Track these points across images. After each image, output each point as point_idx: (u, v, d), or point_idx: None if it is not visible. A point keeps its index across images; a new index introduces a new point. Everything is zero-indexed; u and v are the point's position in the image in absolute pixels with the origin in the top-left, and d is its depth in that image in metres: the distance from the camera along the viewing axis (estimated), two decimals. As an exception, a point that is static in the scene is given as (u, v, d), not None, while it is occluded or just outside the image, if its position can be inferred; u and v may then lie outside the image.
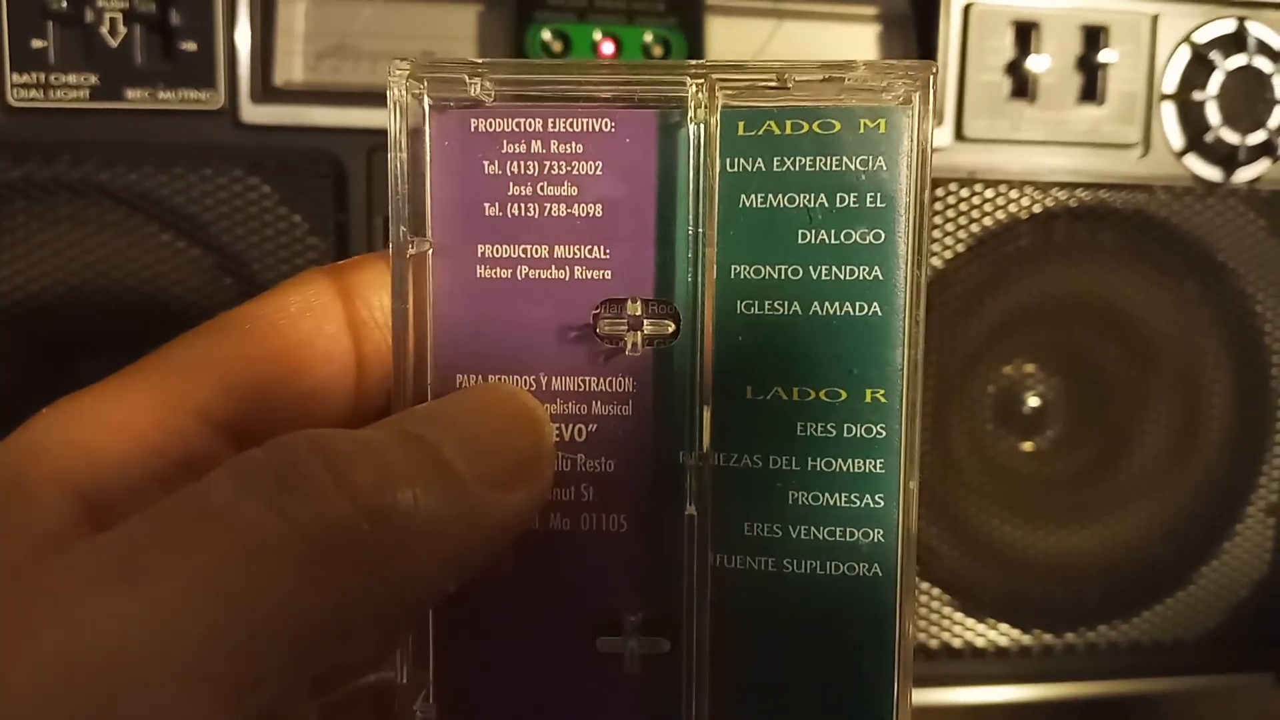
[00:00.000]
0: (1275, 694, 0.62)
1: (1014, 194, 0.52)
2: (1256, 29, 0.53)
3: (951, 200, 0.51)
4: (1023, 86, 0.52)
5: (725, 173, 0.20)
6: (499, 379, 0.21)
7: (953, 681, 0.56)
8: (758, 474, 0.20)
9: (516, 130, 0.20)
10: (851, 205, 0.20)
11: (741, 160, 0.20)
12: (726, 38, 0.51)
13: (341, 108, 0.47)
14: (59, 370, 0.47)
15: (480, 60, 0.21)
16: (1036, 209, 0.52)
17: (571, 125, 0.20)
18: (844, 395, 0.20)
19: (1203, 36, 0.53)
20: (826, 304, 0.20)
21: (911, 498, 0.20)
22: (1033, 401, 0.55)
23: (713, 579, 0.20)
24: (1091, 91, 0.52)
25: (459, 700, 0.20)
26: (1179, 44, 0.53)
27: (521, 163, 0.20)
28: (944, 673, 0.55)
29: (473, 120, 0.21)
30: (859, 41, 0.52)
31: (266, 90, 0.48)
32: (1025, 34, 0.51)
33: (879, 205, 0.20)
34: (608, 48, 0.50)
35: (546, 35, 0.50)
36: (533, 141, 0.20)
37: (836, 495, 0.20)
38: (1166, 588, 0.57)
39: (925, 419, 0.53)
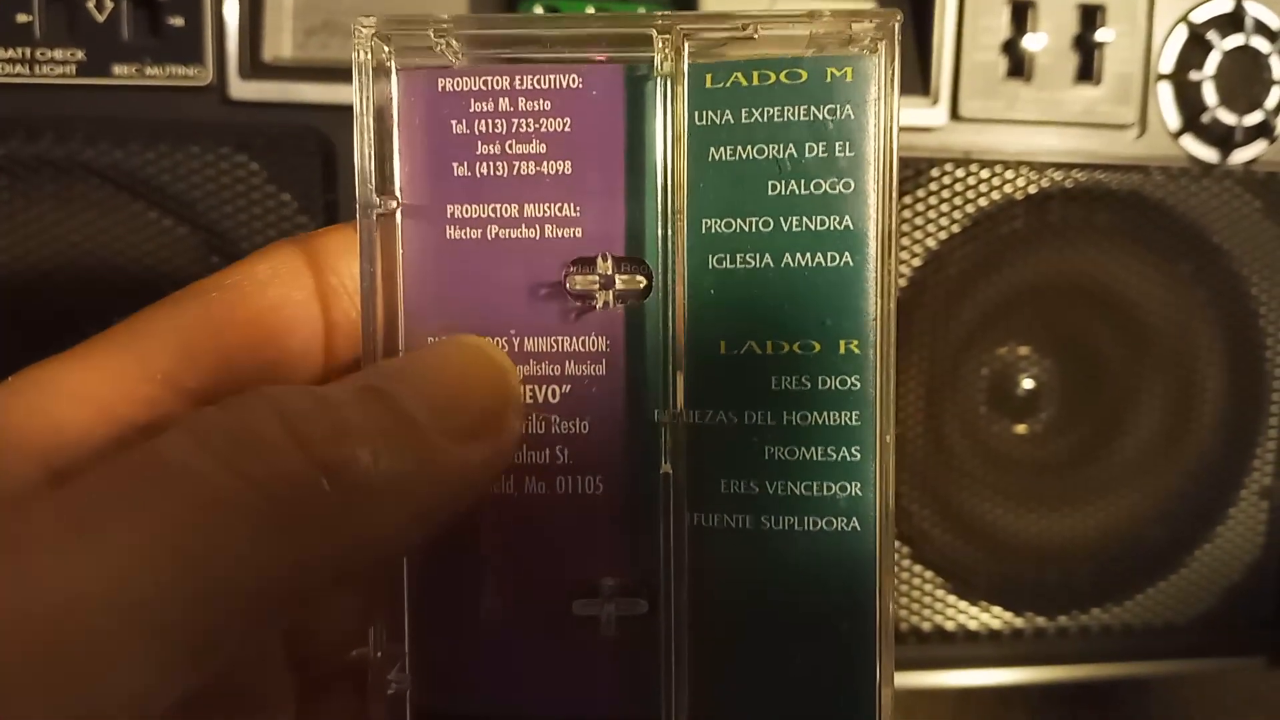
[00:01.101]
0: (1266, 677, 0.62)
1: (1009, 174, 0.51)
2: (1254, 8, 0.52)
3: (946, 181, 0.51)
4: (1019, 66, 0.51)
5: (694, 126, 0.20)
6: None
7: (945, 664, 0.56)
8: (733, 430, 0.20)
9: (483, 89, 0.20)
10: (820, 155, 0.20)
11: (710, 113, 0.20)
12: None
13: (331, 84, 0.47)
14: (44, 349, 0.46)
15: (446, 18, 0.20)
16: (1032, 189, 0.52)
17: (538, 82, 0.20)
18: (818, 347, 0.20)
19: (1200, 16, 0.52)
20: (798, 255, 0.20)
21: (888, 451, 0.20)
22: (1026, 384, 0.55)
23: (690, 538, 0.20)
24: (1088, 71, 0.52)
25: (435, 669, 0.20)
26: (1176, 23, 0.52)
27: (489, 121, 0.20)
28: (936, 655, 0.55)
29: (439, 80, 0.20)
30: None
31: (255, 66, 0.47)
32: (1021, 13, 0.51)
33: (848, 155, 0.20)
34: (600, 25, 0.50)
35: (538, 11, 0.49)
36: (500, 99, 0.20)
37: (813, 449, 0.20)
38: (1159, 571, 0.57)
39: (918, 401, 0.53)
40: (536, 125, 0.20)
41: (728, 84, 0.20)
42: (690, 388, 0.20)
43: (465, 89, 0.20)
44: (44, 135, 0.45)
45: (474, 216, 0.20)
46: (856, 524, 0.20)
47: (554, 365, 0.20)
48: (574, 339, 0.20)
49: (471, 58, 0.20)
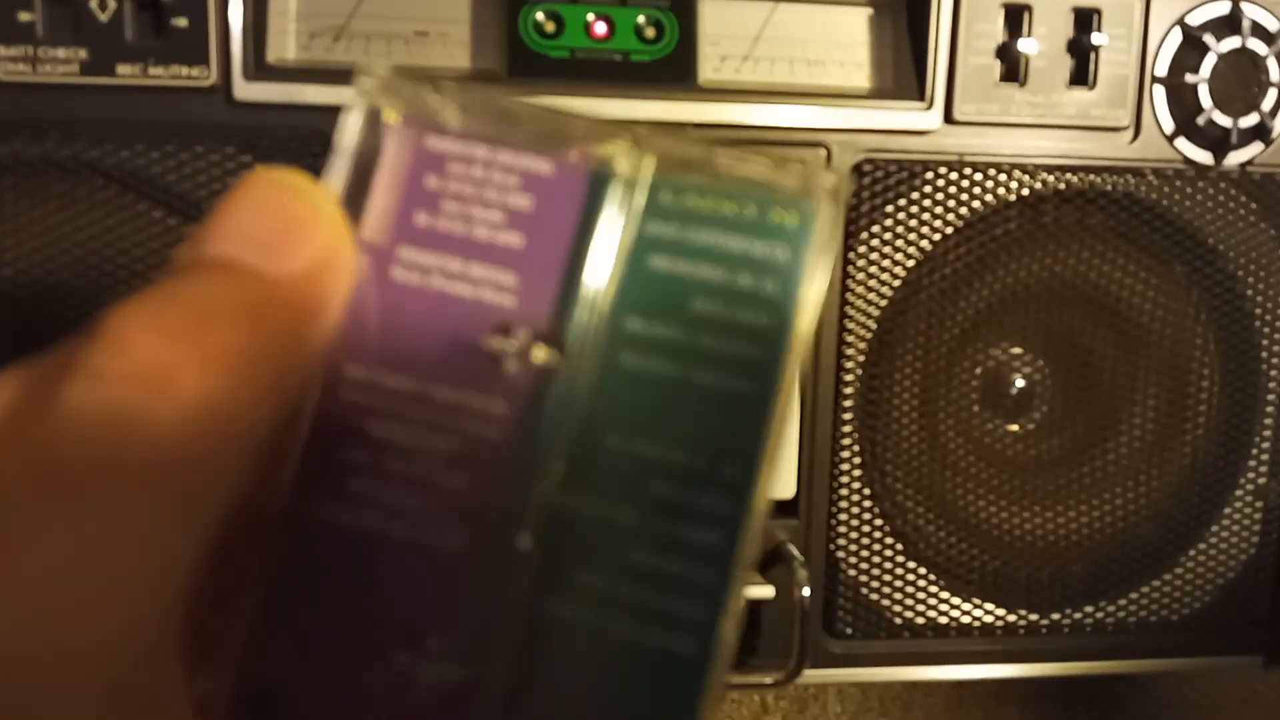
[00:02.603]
0: (1261, 675, 0.62)
1: (1003, 177, 0.52)
2: (1251, 10, 0.53)
3: (940, 184, 0.51)
4: (1013, 70, 0.52)
5: (641, 232, 0.21)
6: None
7: (938, 660, 0.56)
8: (602, 524, 0.20)
9: (465, 154, 0.21)
10: (749, 286, 0.21)
11: (659, 224, 0.21)
12: (719, 21, 0.51)
13: (335, 86, 0.47)
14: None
15: (448, 84, 0.21)
16: (1025, 192, 0.52)
17: (514, 161, 0.21)
18: (703, 463, 0.20)
19: (1196, 19, 0.53)
20: (705, 372, 0.21)
21: (742, 581, 0.20)
22: (1019, 383, 0.56)
23: (532, 619, 0.20)
24: (1082, 75, 0.52)
25: (262, 696, 0.21)
26: (1171, 26, 0.53)
27: (461, 184, 0.21)
28: (929, 650, 0.56)
29: (429, 138, 0.21)
30: (852, 25, 0.52)
31: (259, 68, 0.48)
32: (1016, 17, 0.51)
33: (775, 291, 0.21)
34: (600, 28, 0.50)
35: (539, 16, 0.50)
36: (476, 166, 0.21)
37: (674, 562, 0.20)
38: (1153, 569, 0.57)
39: (912, 400, 0.53)
40: (501, 198, 0.21)
41: (681, 202, 0.21)
42: (571, 471, 0.20)
43: (449, 151, 0.21)
44: (49, 135, 0.46)
45: (422, 264, 0.21)
46: (697, 647, 0.20)
47: (451, 417, 0.21)
48: (477, 397, 0.21)
49: (463, 123, 0.21)
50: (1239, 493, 0.57)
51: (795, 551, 0.52)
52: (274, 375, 0.19)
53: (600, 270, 0.21)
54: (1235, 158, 0.54)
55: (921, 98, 0.51)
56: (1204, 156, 0.53)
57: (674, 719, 0.20)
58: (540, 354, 0.21)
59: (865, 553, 0.54)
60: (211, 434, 0.18)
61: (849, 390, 0.52)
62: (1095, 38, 0.51)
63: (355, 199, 0.21)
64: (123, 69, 0.47)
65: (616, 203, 0.21)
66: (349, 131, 0.21)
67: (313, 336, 0.20)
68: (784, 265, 0.21)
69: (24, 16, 0.46)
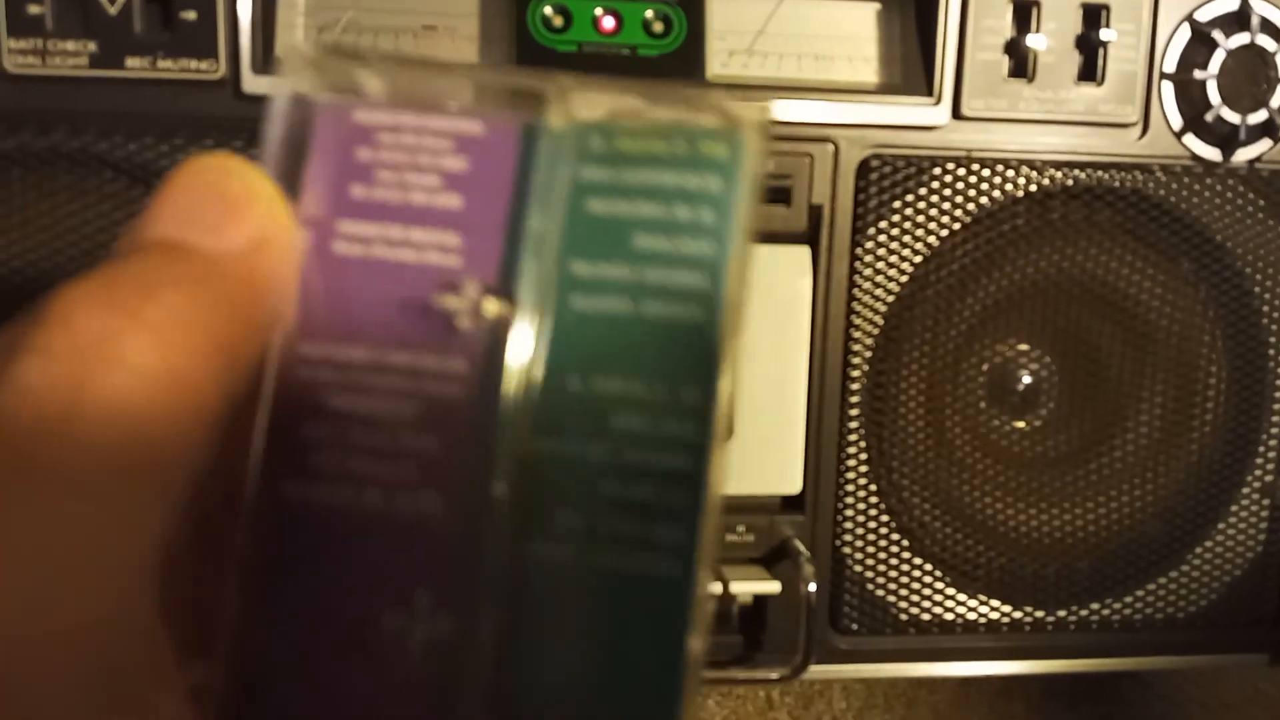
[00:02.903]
0: (1267, 674, 0.62)
1: (1011, 173, 0.52)
2: (1260, 6, 0.52)
3: (948, 179, 0.51)
4: (1021, 65, 0.52)
5: (576, 180, 0.21)
6: None
7: (944, 656, 0.56)
8: (572, 463, 0.21)
9: (394, 124, 0.22)
10: (687, 219, 0.21)
11: (592, 169, 0.22)
12: (727, 15, 0.51)
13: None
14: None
15: (373, 55, 0.22)
16: (1033, 188, 0.52)
17: (445, 125, 0.22)
18: (662, 393, 0.21)
19: (1205, 15, 0.52)
20: (655, 305, 0.21)
21: (716, 501, 0.21)
22: (1025, 379, 0.55)
23: (515, 564, 0.21)
24: (1091, 71, 0.52)
25: (246, 685, 0.21)
26: (1180, 22, 0.52)
27: (393, 153, 0.22)
28: (935, 647, 0.56)
29: (357, 112, 0.22)
30: (860, 20, 0.52)
31: (268, 61, 0.48)
32: (1025, 12, 0.51)
33: (712, 221, 0.21)
34: (609, 22, 0.50)
35: (548, 10, 0.50)
36: (406, 135, 0.22)
37: (646, 489, 0.21)
38: (1159, 567, 0.57)
39: (918, 396, 0.53)
40: (435, 162, 0.21)
41: (612, 146, 0.22)
42: (537, 418, 0.21)
43: (378, 122, 0.22)
44: (57, 127, 0.46)
45: (363, 235, 0.21)
46: (678, 569, 0.20)
47: (411, 381, 0.21)
48: (434, 358, 0.21)
49: (389, 93, 0.22)
50: (1246, 490, 0.57)
51: (801, 547, 0.52)
52: (222, 346, 0.19)
53: (541, 220, 0.21)
54: (1243, 154, 0.53)
55: (929, 93, 0.51)
56: (1212, 153, 0.53)
57: (663, 644, 0.21)
58: (492, 307, 0.21)
59: (871, 549, 0.54)
60: (163, 401, 0.18)
61: (856, 386, 0.52)
62: (1104, 34, 0.51)
63: (291, 178, 0.21)
64: (132, 62, 0.47)
65: (549, 154, 0.22)
66: (278, 113, 0.21)
67: (260, 311, 0.20)
68: (718, 195, 0.21)
69: (33, 9, 0.46)
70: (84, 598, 0.17)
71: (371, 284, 0.21)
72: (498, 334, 0.21)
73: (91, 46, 0.46)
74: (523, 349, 0.21)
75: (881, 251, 0.52)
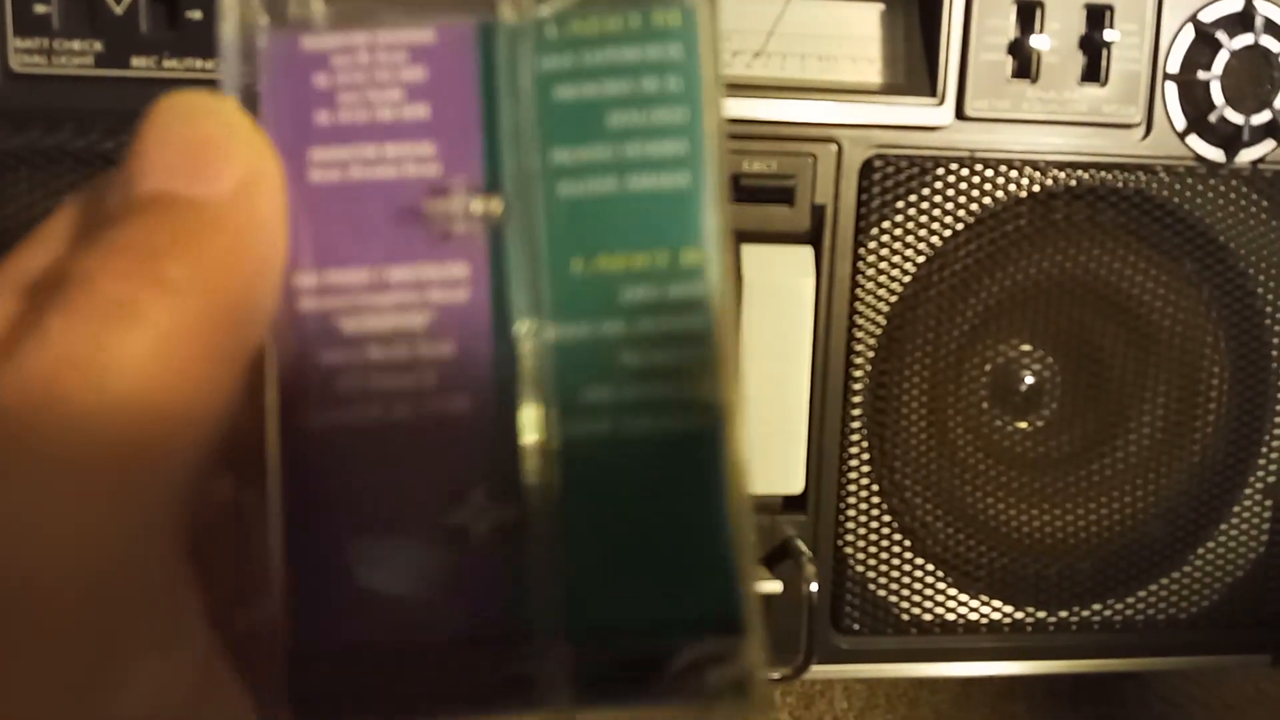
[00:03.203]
0: (1268, 675, 0.62)
1: (1014, 174, 0.52)
2: (1265, 7, 0.52)
3: (951, 180, 0.51)
4: (1025, 66, 0.52)
5: (538, 71, 0.22)
6: None
7: (946, 657, 0.56)
8: (591, 342, 0.21)
9: (344, 46, 0.22)
10: (655, 89, 0.22)
11: (553, 58, 0.22)
12: (731, 16, 0.51)
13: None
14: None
15: None
16: (1036, 189, 0.52)
17: (396, 38, 0.22)
18: (664, 259, 0.21)
19: (1208, 15, 0.52)
20: (641, 178, 0.22)
21: (732, 356, 0.21)
22: (1028, 380, 0.55)
23: (555, 450, 0.21)
24: (1094, 71, 0.52)
25: (306, 608, 0.21)
26: (1184, 23, 0.52)
27: (350, 74, 0.22)
28: (937, 647, 0.56)
29: (303, 39, 0.22)
30: (864, 21, 0.52)
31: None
32: (1028, 13, 0.51)
33: (680, 87, 0.22)
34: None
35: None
36: (360, 54, 0.22)
37: (667, 352, 0.21)
38: (1162, 567, 0.57)
39: (921, 396, 0.53)
40: (394, 75, 0.22)
41: (568, 32, 0.22)
42: (548, 305, 0.21)
43: (327, 47, 0.22)
44: (63, 126, 0.46)
45: (336, 159, 0.21)
46: (710, 425, 0.21)
47: (418, 293, 0.21)
48: (436, 266, 0.21)
49: (332, 17, 0.22)
50: (1248, 491, 0.57)
51: (803, 547, 0.52)
52: (233, 300, 0.19)
53: (512, 116, 0.22)
54: (1247, 155, 0.53)
55: (933, 94, 0.51)
56: (1216, 154, 0.53)
57: (710, 498, 0.21)
58: (481, 205, 0.21)
59: (873, 549, 0.54)
60: (183, 356, 0.18)
61: (858, 386, 0.52)
62: (1107, 34, 0.51)
63: (252, 116, 0.21)
64: (137, 61, 0.47)
65: (507, 49, 0.22)
66: (228, 53, 0.21)
67: (262, 254, 0.20)
68: (681, 61, 0.22)
69: (40, 9, 0.46)
70: (94, 503, 0.17)
71: (356, 206, 0.21)
72: (493, 231, 0.21)
73: (97, 46, 0.46)
74: (520, 242, 0.21)
75: (884, 252, 0.52)
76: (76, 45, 0.46)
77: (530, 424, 0.21)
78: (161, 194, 0.19)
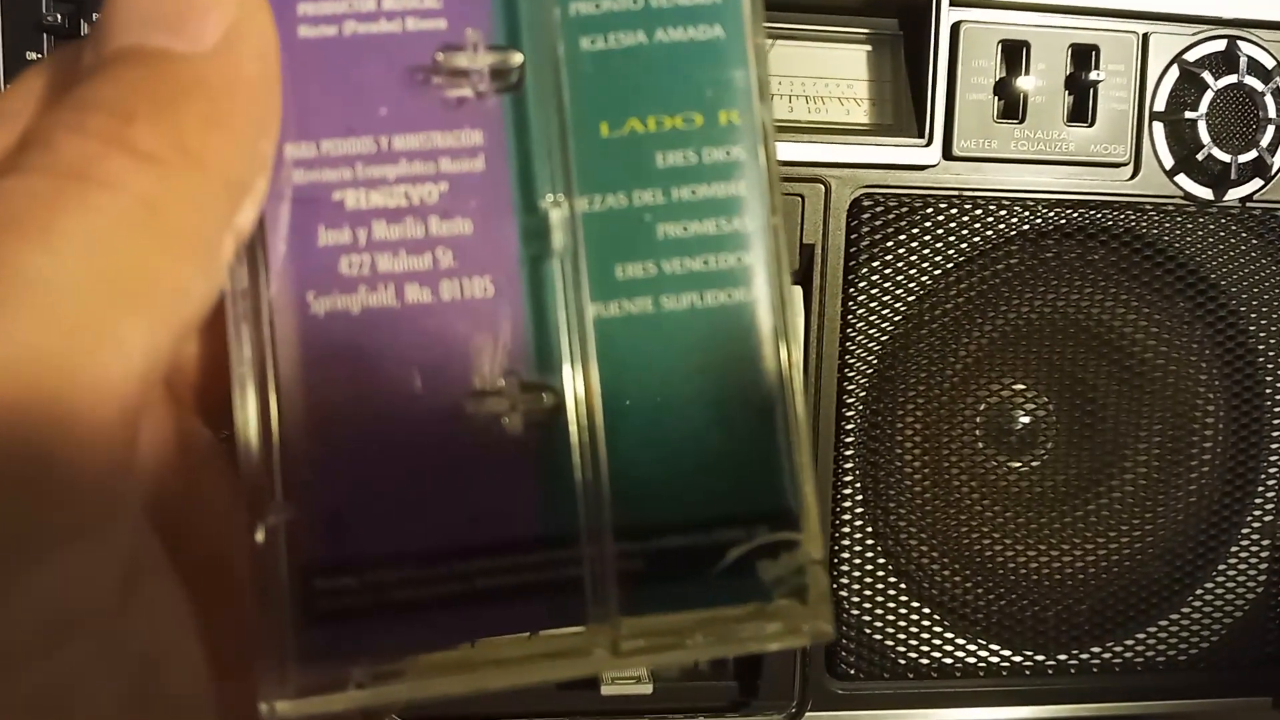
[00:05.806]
0: (1272, 716, 0.61)
1: (1003, 212, 0.52)
2: (1248, 48, 0.53)
3: (940, 219, 0.51)
4: (1012, 106, 0.52)
5: None
6: None
7: (943, 702, 0.55)
8: (623, 213, 0.20)
9: None
10: None
11: None
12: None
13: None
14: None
15: None
16: (1026, 228, 0.52)
17: None
18: (699, 120, 0.20)
19: (1193, 55, 0.53)
20: (670, 29, 0.20)
21: (778, 226, 0.20)
22: (1023, 420, 0.55)
23: (591, 330, 0.20)
24: (1081, 111, 0.52)
25: (319, 513, 0.19)
26: (1170, 63, 0.53)
27: None
28: (934, 692, 0.55)
29: None
30: (851, 61, 0.52)
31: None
32: (1014, 53, 0.51)
33: None
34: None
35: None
36: None
37: (705, 222, 0.20)
38: (1160, 609, 0.56)
39: (915, 436, 0.53)
40: None
41: None
42: (575, 174, 0.19)
43: None
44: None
45: (328, 12, 0.19)
46: (754, 294, 0.20)
47: (428, 163, 0.19)
48: (447, 133, 0.19)
49: None
50: (1246, 530, 0.56)
51: (798, 590, 0.52)
52: (213, 167, 0.17)
53: None
54: (1235, 193, 0.53)
55: (920, 134, 0.51)
56: (1204, 192, 0.53)
57: (755, 367, 0.20)
58: (497, 60, 0.19)
59: (868, 592, 0.53)
60: (156, 234, 0.16)
61: (850, 427, 0.52)
62: (1094, 74, 0.51)
63: None
64: None
65: None
66: None
67: (248, 115, 0.18)
68: None
69: (31, 56, 0.46)
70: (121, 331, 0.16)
71: (355, 66, 0.19)
72: (510, 91, 0.19)
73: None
74: (541, 102, 0.19)
75: (875, 291, 0.51)
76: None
77: (561, 305, 0.19)
78: (137, 48, 0.17)
